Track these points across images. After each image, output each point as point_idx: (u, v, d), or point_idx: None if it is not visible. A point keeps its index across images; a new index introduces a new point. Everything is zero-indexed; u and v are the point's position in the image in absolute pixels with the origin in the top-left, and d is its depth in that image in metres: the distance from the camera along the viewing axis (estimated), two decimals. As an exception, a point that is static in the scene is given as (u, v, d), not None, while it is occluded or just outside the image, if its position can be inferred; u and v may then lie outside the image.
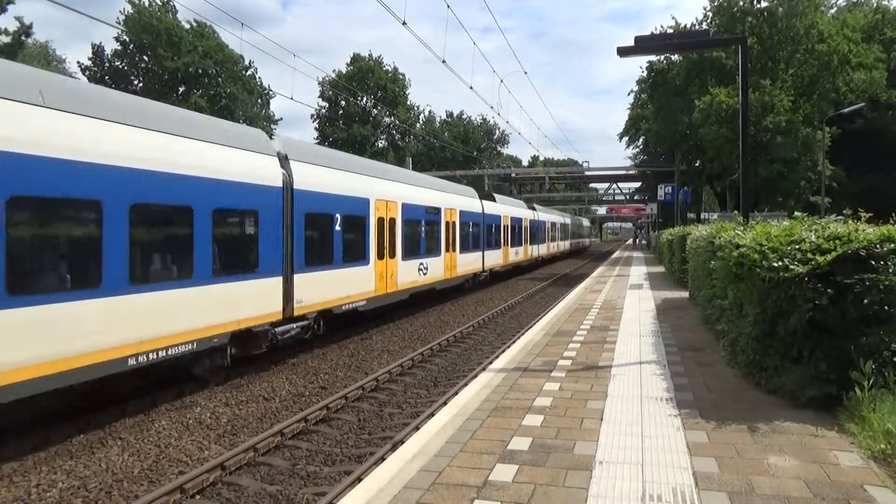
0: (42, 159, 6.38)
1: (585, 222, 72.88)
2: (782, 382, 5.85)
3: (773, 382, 6.00)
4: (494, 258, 25.49)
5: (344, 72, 66.24)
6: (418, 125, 76.09)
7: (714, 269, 8.44)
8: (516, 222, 29.92)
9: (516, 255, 30.15)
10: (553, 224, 42.49)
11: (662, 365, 7.62)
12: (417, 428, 7.35)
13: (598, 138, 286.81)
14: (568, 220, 52.41)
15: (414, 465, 4.49)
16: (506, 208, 28.21)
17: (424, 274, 17.12)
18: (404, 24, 16.60)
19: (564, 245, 48.88)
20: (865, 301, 5.32)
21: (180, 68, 49.90)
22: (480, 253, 23.24)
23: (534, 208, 36.29)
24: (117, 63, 51.62)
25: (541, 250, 37.33)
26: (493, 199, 26.92)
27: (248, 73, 54.80)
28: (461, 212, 20.80)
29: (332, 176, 12.40)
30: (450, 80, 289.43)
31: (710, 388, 6.47)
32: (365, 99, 66.42)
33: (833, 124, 31.50)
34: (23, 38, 35.25)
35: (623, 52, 10.15)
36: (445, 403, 7.71)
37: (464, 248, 20.99)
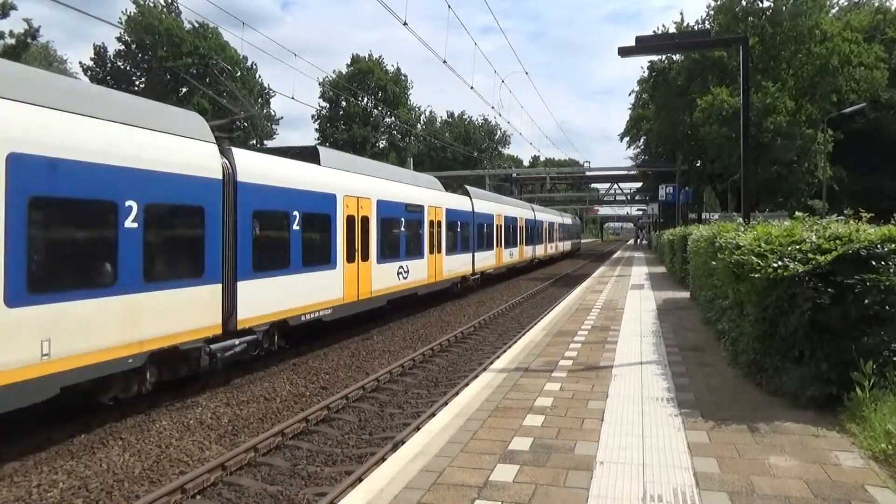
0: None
1: (572, 220, 57.08)
2: (783, 382, 5.85)
3: (774, 382, 6.00)
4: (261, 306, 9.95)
5: (344, 72, 66.36)
6: (419, 126, 76.14)
7: (715, 269, 8.44)
8: (417, 214, 16.59)
9: (425, 269, 17.06)
10: (514, 221, 29.00)
11: (663, 365, 7.62)
12: (418, 428, 7.34)
13: (599, 139, 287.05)
14: (546, 218, 38.87)
15: (415, 466, 4.49)
16: (309, 174, 11.68)
17: None
18: (405, 24, 16.63)
19: (538, 251, 35.41)
20: (866, 301, 5.32)
21: (181, 69, 49.98)
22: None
23: (468, 194, 23.14)
24: (119, 63, 51.75)
25: (486, 261, 23.80)
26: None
27: (249, 72, 54.88)
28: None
29: None
30: (450, 80, 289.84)
31: (711, 388, 6.47)
32: (365, 99, 66.50)
33: (834, 125, 31.52)
34: (28, 40, 35.34)
35: (624, 52, 10.15)
36: (446, 404, 7.71)
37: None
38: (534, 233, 34.04)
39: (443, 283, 18.83)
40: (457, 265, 20.18)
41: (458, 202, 21.27)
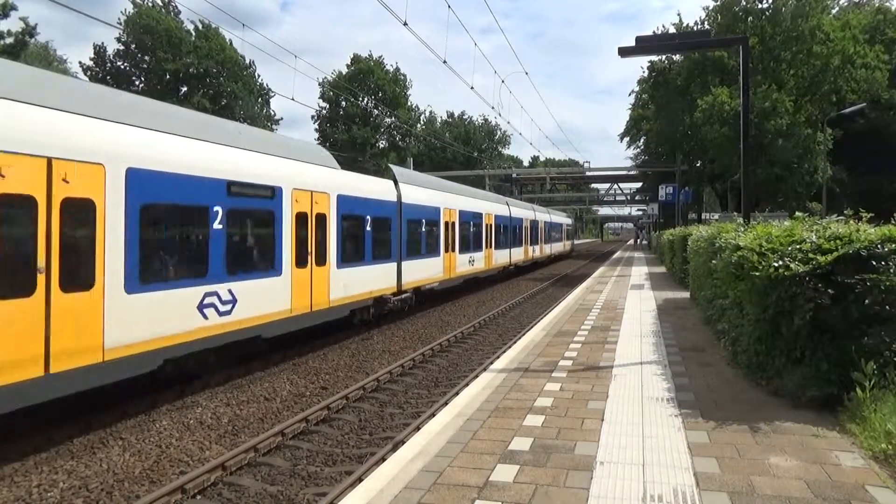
0: None
1: (564, 218, 48.97)
2: (783, 383, 5.85)
3: (775, 383, 6.00)
4: None
5: (344, 73, 66.36)
6: (419, 126, 76.12)
7: (715, 269, 8.44)
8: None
9: (285, 294, 10.48)
10: (476, 218, 22.70)
11: (663, 365, 7.62)
12: (418, 428, 7.35)
13: (599, 139, 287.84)
14: (527, 215, 32.33)
15: (415, 466, 4.49)
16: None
17: None
18: (405, 24, 16.63)
19: (514, 255, 29.01)
20: (867, 301, 5.32)
21: (181, 69, 49.97)
22: None
23: (394, 177, 16.10)
24: (119, 63, 51.75)
25: (425, 271, 17.32)
26: None
27: (249, 71, 54.86)
28: None
29: None
30: (450, 80, 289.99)
31: (712, 388, 6.47)
32: (366, 100, 66.48)
33: (834, 125, 31.53)
34: (27, 38, 35.34)
35: (624, 52, 10.14)
36: (446, 404, 7.71)
37: None
38: (509, 233, 27.72)
39: (329, 311, 12.02)
40: (364, 282, 13.52)
41: (368, 187, 14.14)
